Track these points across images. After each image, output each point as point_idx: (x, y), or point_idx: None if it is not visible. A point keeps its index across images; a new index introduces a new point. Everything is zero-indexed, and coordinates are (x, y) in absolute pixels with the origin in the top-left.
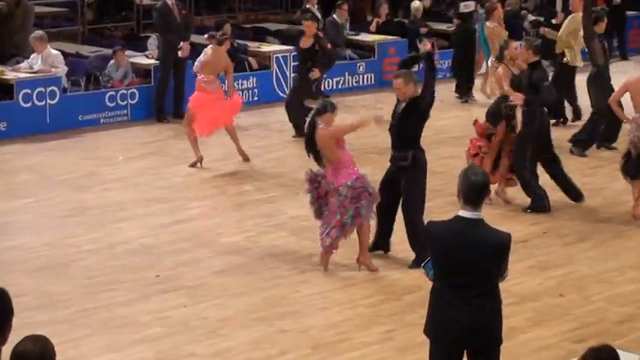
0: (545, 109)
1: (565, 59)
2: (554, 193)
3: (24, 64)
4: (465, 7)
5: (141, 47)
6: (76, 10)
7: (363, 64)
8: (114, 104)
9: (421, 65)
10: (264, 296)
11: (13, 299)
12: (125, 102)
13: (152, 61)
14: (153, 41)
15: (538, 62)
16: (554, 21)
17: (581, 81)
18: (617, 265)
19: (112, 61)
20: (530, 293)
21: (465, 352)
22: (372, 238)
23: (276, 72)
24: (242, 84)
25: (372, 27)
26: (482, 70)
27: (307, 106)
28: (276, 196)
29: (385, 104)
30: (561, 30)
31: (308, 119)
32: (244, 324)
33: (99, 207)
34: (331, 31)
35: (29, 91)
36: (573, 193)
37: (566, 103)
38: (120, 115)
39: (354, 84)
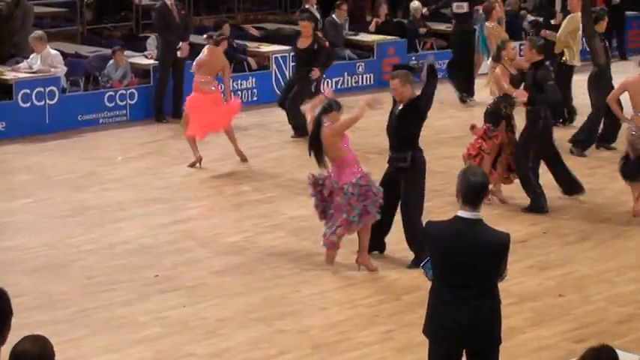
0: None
1: (563, 58)
2: (554, 193)
3: (23, 64)
4: (458, 8)
5: (140, 47)
6: (76, 11)
7: (362, 64)
8: (113, 104)
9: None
10: (263, 296)
11: (12, 299)
12: (124, 102)
13: (151, 62)
14: (152, 41)
15: (542, 61)
16: (553, 21)
17: (580, 81)
18: (617, 265)
19: (111, 62)
20: (530, 293)
21: (464, 352)
22: None
23: (275, 72)
24: (241, 84)
25: (372, 27)
26: (482, 70)
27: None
28: (274, 197)
29: (385, 104)
30: (560, 30)
31: (314, 117)
32: (243, 324)
33: (98, 207)
34: (330, 31)
35: (28, 91)
36: (577, 188)
37: None
38: (119, 115)
39: (354, 84)
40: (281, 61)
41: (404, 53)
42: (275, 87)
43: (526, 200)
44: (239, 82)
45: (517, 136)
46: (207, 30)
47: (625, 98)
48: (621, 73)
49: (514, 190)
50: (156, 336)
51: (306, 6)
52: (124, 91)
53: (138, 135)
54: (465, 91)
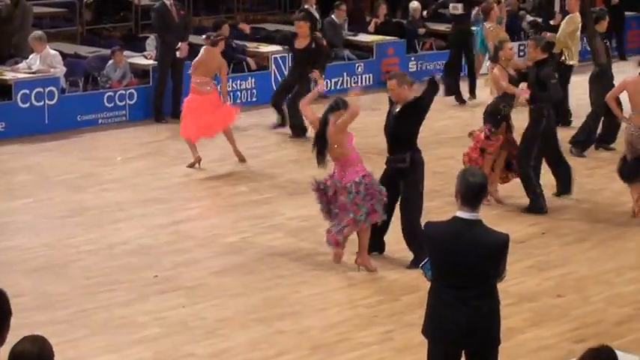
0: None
1: (562, 58)
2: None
3: (22, 65)
4: (453, 9)
5: (139, 48)
6: (75, 11)
7: (362, 64)
8: (112, 105)
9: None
10: (263, 297)
11: (11, 299)
12: (123, 102)
13: (150, 62)
14: (151, 42)
15: (545, 60)
16: (552, 22)
17: (579, 81)
18: (616, 265)
19: (110, 62)
20: (529, 294)
21: (463, 352)
22: None
23: (274, 72)
24: (240, 84)
25: (371, 27)
26: (482, 70)
27: None
28: (272, 197)
29: (384, 104)
30: (559, 31)
31: (322, 115)
32: (243, 324)
33: (97, 207)
34: (329, 31)
35: (28, 91)
36: (568, 188)
37: None
38: (118, 115)
39: (353, 84)
40: (280, 61)
41: (403, 54)
42: (274, 87)
43: (525, 200)
44: (238, 82)
45: (515, 135)
46: (207, 30)
47: (624, 98)
48: (621, 73)
49: (513, 191)
50: (155, 336)
51: (306, 6)
52: (124, 92)
53: (137, 135)
54: (454, 93)
